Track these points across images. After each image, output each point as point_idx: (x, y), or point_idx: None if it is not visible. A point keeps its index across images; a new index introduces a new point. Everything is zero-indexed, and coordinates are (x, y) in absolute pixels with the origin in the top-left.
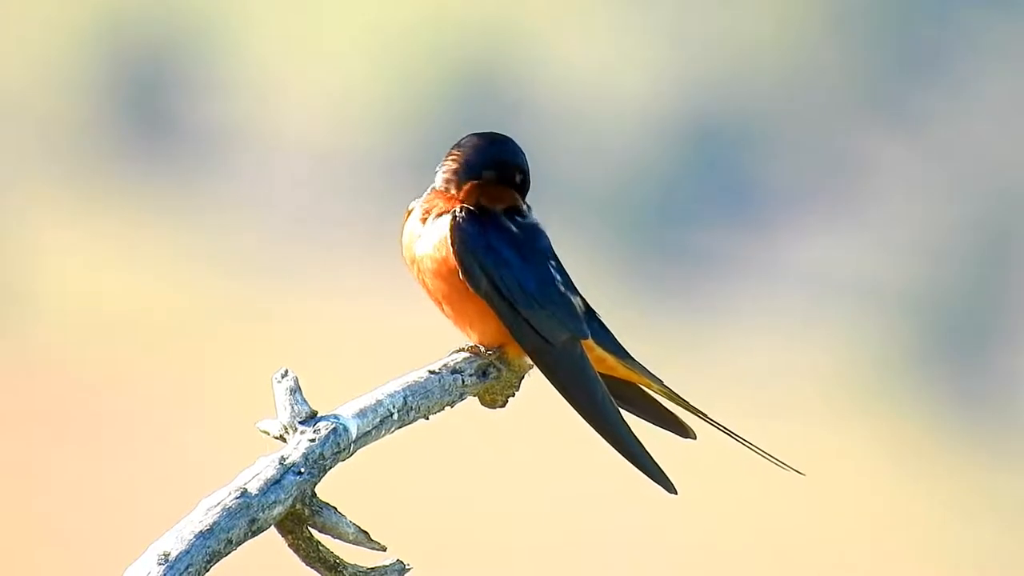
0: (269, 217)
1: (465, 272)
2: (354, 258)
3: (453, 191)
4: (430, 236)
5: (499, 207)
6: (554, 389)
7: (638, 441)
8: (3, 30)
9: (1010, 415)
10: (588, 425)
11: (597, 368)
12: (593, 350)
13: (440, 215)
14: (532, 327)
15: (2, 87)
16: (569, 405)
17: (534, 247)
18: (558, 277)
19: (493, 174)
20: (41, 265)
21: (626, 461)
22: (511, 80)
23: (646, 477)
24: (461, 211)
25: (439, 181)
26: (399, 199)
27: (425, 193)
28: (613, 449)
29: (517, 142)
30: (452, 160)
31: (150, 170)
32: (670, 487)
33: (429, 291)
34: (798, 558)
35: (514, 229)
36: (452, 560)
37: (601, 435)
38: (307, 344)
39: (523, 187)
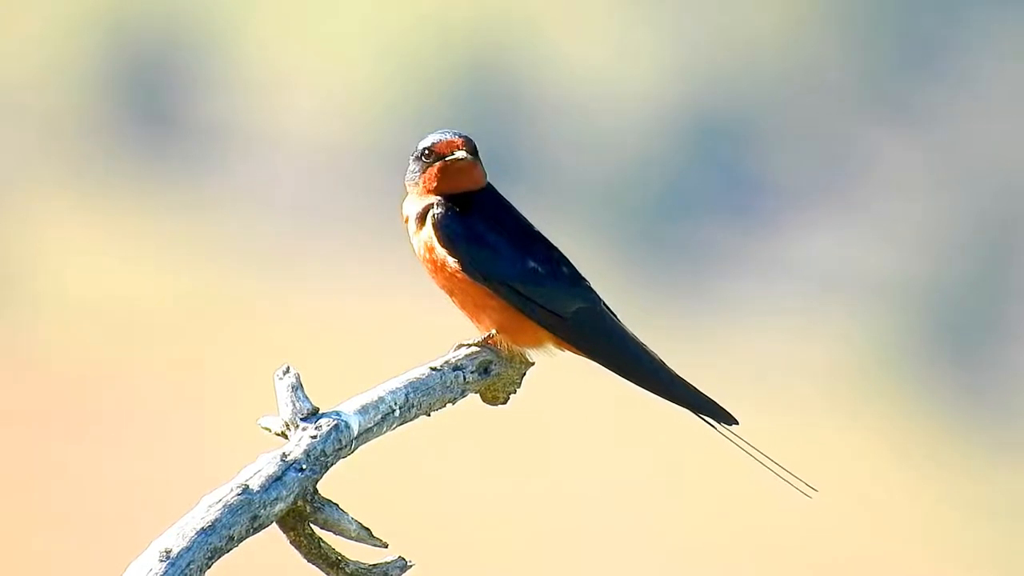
0: (271, 214)
1: (461, 264)
2: (356, 255)
3: (421, 185)
4: (423, 234)
5: (465, 186)
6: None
7: (686, 382)
8: (5, 28)
9: (1012, 409)
10: (633, 384)
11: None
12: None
13: (420, 214)
14: (538, 304)
15: (4, 85)
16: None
17: (519, 226)
18: (546, 252)
19: (439, 158)
20: (42, 263)
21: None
22: (514, 77)
23: (701, 417)
24: (438, 207)
25: (408, 184)
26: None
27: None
28: (665, 400)
29: (460, 131)
30: (410, 163)
31: (152, 168)
32: (729, 418)
33: (439, 285)
34: (799, 555)
35: (495, 212)
36: (454, 557)
37: (646, 388)
38: (309, 340)
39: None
